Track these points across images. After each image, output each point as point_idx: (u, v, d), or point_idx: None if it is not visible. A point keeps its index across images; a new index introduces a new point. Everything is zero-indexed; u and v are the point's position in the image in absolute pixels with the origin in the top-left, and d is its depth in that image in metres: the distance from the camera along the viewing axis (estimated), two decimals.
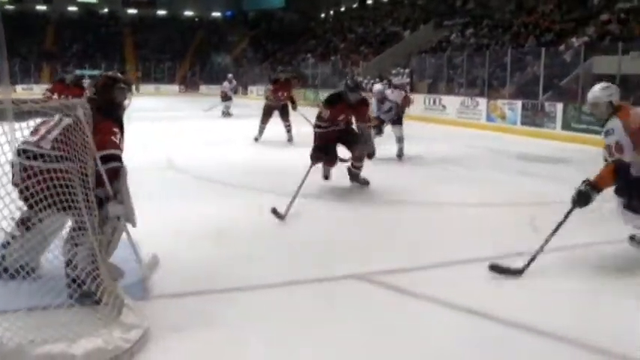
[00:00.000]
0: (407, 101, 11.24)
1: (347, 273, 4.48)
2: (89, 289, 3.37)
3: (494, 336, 3.49)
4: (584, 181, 4.58)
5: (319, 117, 7.55)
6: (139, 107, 21.25)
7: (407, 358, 3.24)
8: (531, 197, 7.09)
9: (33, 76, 45.41)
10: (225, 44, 54.24)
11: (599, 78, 16.70)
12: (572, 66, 17.21)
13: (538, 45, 20.25)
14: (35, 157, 3.62)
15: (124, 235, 4.13)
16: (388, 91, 11.01)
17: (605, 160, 4.73)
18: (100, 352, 3.01)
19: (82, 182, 3.61)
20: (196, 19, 59.99)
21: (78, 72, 45.62)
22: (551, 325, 3.55)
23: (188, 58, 53.07)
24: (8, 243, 3.77)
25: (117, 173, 3.99)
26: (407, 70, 25.95)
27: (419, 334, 3.51)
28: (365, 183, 7.71)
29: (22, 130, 3.57)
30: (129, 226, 4.11)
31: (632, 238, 4.93)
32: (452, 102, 20.00)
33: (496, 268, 4.41)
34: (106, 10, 58.00)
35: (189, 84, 48.56)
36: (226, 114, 21.28)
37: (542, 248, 4.45)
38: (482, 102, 18.56)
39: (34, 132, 3.78)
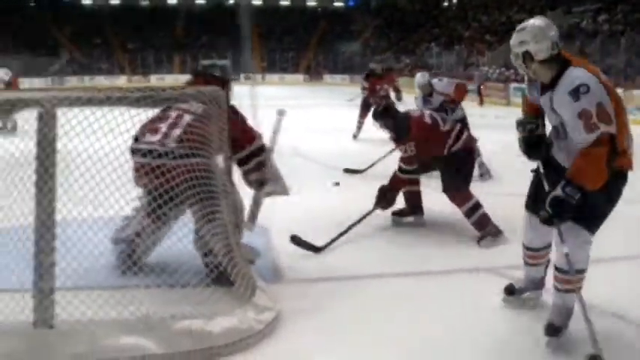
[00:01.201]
0: (461, 92, 8.30)
1: (476, 266, 4.43)
2: (225, 270, 3.51)
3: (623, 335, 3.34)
4: (562, 184, 3.07)
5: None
6: (266, 96, 21.74)
7: (537, 346, 3.19)
8: None
9: (165, 67, 47.66)
10: (348, 33, 54.50)
11: None
12: None
13: None
14: (161, 156, 3.77)
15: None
16: (435, 81, 8.46)
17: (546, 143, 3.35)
18: (234, 331, 3.15)
19: (214, 172, 3.79)
20: (319, 9, 60.65)
21: (207, 62, 47.59)
22: None
23: (312, 47, 53.76)
24: (138, 235, 3.94)
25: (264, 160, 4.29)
26: None
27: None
28: (493, 233, 5.08)
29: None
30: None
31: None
32: None
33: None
34: (231, 1, 59.81)
35: (313, 73, 49.20)
36: None
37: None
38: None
39: (153, 131, 3.94)
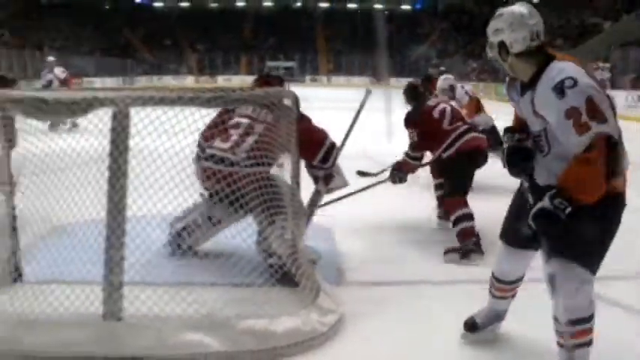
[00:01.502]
0: (470, 108, 7.68)
1: (534, 276, 4.32)
2: (289, 271, 3.53)
3: None
4: (551, 194, 2.57)
5: None
6: (333, 98, 21.83)
7: None
8: None
9: (232, 68, 48.36)
10: (415, 36, 54.18)
11: None
12: None
13: None
14: (230, 163, 3.96)
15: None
16: (458, 86, 8.05)
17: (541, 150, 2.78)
18: (298, 333, 3.16)
19: (280, 178, 3.93)
20: (386, 12, 60.51)
21: (272, 64, 48.17)
22: None
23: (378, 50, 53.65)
24: (189, 229, 4.18)
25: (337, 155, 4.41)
26: (607, 65, 24.36)
27: (610, 341, 3.26)
28: (467, 250, 4.69)
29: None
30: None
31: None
32: None
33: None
34: (299, 4, 60.36)
35: (379, 76, 49.02)
36: None
37: None
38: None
39: (223, 137, 4.08)
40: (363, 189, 5.34)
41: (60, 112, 3.21)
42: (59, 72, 14.31)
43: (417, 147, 5.18)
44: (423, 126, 5.12)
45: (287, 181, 3.89)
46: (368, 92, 4.97)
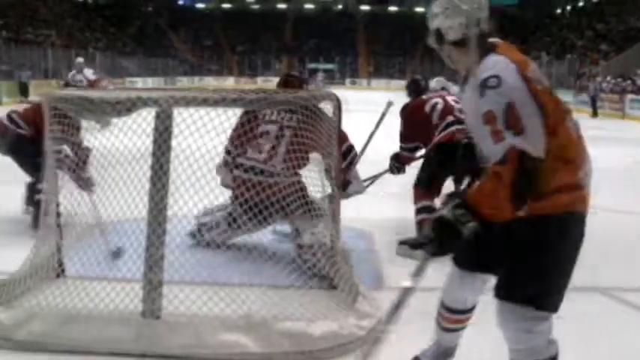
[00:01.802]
0: None
1: (585, 285, 4.22)
2: (327, 275, 3.52)
3: None
4: (450, 197, 2.39)
5: None
6: (372, 101, 21.81)
7: None
8: None
9: (272, 69, 48.65)
10: None
11: None
12: None
13: None
14: (267, 174, 4.06)
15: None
16: (453, 88, 7.55)
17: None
18: (335, 336, 3.13)
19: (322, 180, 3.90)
20: (427, 14, 60.17)
21: (313, 66, 48.28)
22: None
23: (418, 53, 53.42)
24: (209, 229, 4.24)
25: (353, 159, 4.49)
26: None
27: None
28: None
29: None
30: None
31: None
32: None
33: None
34: (340, 6, 60.42)
35: None
36: None
37: None
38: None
39: (254, 142, 4.13)
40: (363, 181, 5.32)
41: (105, 112, 3.25)
42: (89, 73, 14.47)
43: (406, 139, 5.23)
44: (409, 116, 5.15)
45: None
46: (389, 104, 4.99)
